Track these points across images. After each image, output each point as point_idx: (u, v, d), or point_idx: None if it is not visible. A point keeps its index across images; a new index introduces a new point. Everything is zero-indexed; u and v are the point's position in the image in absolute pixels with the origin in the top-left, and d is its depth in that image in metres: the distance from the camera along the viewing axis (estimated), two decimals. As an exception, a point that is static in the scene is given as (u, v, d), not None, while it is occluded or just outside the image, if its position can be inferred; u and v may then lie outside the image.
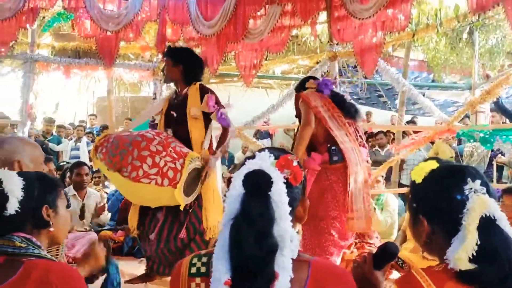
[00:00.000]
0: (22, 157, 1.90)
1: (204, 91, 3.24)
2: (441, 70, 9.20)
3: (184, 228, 3.05)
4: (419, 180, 1.25)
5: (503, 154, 6.36)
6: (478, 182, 1.16)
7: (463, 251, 1.10)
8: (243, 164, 1.16)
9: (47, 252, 1.49)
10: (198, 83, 3.31)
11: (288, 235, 1.08)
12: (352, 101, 3.51)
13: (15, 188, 1.43)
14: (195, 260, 1.19)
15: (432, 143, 6.93)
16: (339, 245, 3.12)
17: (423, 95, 6.09)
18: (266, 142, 10.78)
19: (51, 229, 1.48)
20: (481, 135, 5.16)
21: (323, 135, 3.19)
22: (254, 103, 8.78)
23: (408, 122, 7.89)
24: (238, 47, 5.80)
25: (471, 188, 1.16)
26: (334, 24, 5.39)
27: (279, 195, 1.09)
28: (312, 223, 3.03)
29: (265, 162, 1.13)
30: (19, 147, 1.93)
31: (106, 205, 5.32)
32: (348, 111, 3.33)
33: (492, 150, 6.33)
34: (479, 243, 1.10)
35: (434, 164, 1.25)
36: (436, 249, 1.23)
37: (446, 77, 9.94)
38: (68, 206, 1.67)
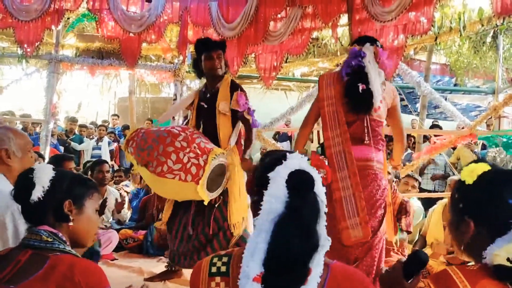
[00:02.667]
0: (9, 145, 1.92)
1: (234, 87, 3.25)
2: (464, 74, 9.06)
3: (211, 224, 3.08)
4: (470, 181, 1.23)
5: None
6: None
7: (505, 250, 1.10)
8: (273, 164, 1.15)
9: None
10: (230, 78, 3.33)
11: (325, 234, 1.10)
12: (370, 88, 2.73)
13: (44, 177, 1.48)
14: (215, 260, 1.21)
15: (454, 148, 6.83)
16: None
17: (445, 99, 6.00)
18: (285, 145, 10.76)
19: (70, 223, 1.51)
20: (504, 140, 5.07)
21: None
22: (273, 105, 8.78)
23: (432, 126, 7.79)
24: (258, 49, 5.83)
25: None
26: (355, 27, 5.37)
27: (321, 194, 1.11)
28: None
29: (303, 162, 1.14)
30: (5, 135, 1.94)
31: (127, 202, 5.39)
32: (355, 105, 2.74)
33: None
34: None
35: (486, 167, 1.23)
36: (477, 250, 1.21)
37: (468, 81, 9.79)
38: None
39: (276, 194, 1.09)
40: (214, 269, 1.19)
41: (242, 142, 3.33)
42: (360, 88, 2.67)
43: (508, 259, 1.09)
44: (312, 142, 11.71)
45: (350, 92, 2.71)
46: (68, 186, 1.53)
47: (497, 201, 1.18)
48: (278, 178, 1.10)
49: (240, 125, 3.29)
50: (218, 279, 1.17)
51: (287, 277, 1.04)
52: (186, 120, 3.58)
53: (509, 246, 1.10)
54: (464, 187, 1.25)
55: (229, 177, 3.08)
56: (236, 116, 3.22)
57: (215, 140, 3.13)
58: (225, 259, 1.20)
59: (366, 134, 2.73)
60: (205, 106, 3.28)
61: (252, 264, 1.05)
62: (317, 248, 1.06)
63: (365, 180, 2.68)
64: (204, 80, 3.48)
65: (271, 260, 1.04)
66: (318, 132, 11.91)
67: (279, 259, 1.04)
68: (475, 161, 1.28)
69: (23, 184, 1.49)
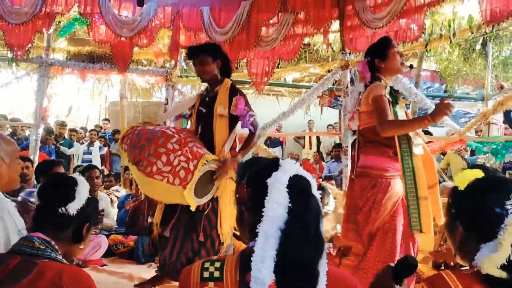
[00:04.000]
0: None
1: (234, 92, 3.22)
2: (454, 81, 9.16)
3: (201, 231, 3.06)
4: (461, 187, 1.25)
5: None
6: None
7: (492, 259, 1.11)
8: (267, 170, 1.15)
9: None
10: (230, 83, 3.29)
11: (324, 235, 1.13)
12: None
13: (84, 195, 1.52)
14: (207, 265, 1.20)
15: (444, 154, 6.89)
16: None
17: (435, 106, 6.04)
18: (277, 150, 10.77)
19: (81, 246, 1.54)
20: (493, 146, 5.12)
21: None
22: (265, 110, 8.79)
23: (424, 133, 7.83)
24: (250, 55, 5.84)
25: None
26: (347, 33, 5.40)
27: (318, 197, 1.14)
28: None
29: (298, 166, 1.16)
30: None
31: (114, 210, 5.35)
32: None
33: (505, 162, 6.27)
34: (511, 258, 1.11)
35: (479, 173, 1.25)
36: (468, 254, 1.24)
37: (458, 88, 9.89)
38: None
39: (279, 200, 1.09)
40: (206, 274, 1.18)
41: (237, 149, 3.30)
42: None
43: (499, 267, 1.10)
44: (304, 147, 11.76)
45: None
46: (91, 211, 1.58)
47: (484, 208, 1.19)
48: (278, 183, 1.11)
49: (236, 131, 3.27)
50: (211, 284, 1.16)
51: (300, 282, 1.06)
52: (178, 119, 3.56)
53: (497, 255, 1.11)
54: (456, 193, 1.28)
55: (219, 185, 3.03)
56: (233, 121, 3.19)
57: (211, 144, 3.10)
58: (217, 264, 1.19)
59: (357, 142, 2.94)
60: (203, 110, 3.26)
61: (265, 271, 1.05)
62: (323, 249, 1.09)
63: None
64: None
65: (283, 266, 1.05)
66: (309, 137, 11.94)
67: (291, 265, 1.05)
68: (471, 167, 1.30)
69: (65, 191, 1.49)
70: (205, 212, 3.04)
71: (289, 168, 1.14)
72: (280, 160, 1.19)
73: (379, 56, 2.83)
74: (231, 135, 3.18)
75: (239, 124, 3.20)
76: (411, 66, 2.94)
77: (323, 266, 1.09)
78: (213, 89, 3.28)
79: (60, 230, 1.48)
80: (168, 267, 3.13)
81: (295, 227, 1.07)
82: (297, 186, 1.10)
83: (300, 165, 1.19)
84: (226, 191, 3.09)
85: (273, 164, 1.17)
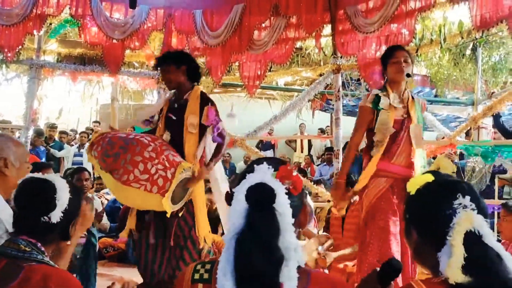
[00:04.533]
0: (8, 154, 1.87)
1: (204, 101, 3.20)
2: (444, 86, 9.23)
3: (172, 235, 3.06)
4: (413, 191, 1.28)
5: (505, 171, 6.35)
6: (468, 198, 1.18)
7: (451, 265, 1.12)
8: (242, 178, 1.16)
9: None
10: (199, 91, 3.28)
11: (293, 246, 1.09)
12: None
13: (65, 200, 1.47)
14: (199, 267, 1.22)
15: (434, 157, 6.93)
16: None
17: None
18: (269, 153, 10.78)
19: (68, 243, 1.51)
20: (483, 150, 5.17)
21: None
22: (257, 113, 8.81)
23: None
24: (242, 58, 5.84)
25: (460, 204, 1.17)
26: (338, 37, 5.43)
27: (282, 207, 1.10)
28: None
29: (266, 174, 1.14)
30: (5, 144, 1.90)
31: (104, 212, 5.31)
32: None
33: (494, 166, 6.33)
34: (466, 255, 1.11)
35: (429, 178, 1.28)
36: (424, 259, 1.26)
37: (448, 93, 9.96)
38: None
39: (237, 209, 1.10)
40: (197, 276, 1.20)
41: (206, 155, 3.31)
42: None
43: (463, 271, 1.10)
44: (295, 151, 11.78)
45: None
46: (75, 208, 1.53)
47: (434, 211, 1.21)
48: (240, 193, 1.11)
49: (206, 140, 3.26)
50: (200, 286, 1.18)
51: None
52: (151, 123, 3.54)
53: (453, 259, 1.12)
54: (409, 198, 1.30)
55: (192, 190, 3.07)
56: (203, 130, 3.19)
57: (181, 152, 3.09)
58: (208, 266, 1.21)
59: None
60: (174, 118, 3.25)
61: (226, 282, 1.05)
62: (280, 263, 1.05)
63: None
64: None
65: (239, 276, 1.05)
66: (301, 141, 11.96)
67: (245, 275, 1.04)
68: (425, 173, 1.33)
69: (44, 201, 1.45)
70: (180, 214, 3.06)
71: (254, 177, 1.13)
72: (255, 166, 1.17)
73: (383, 66, 3.10)
74: (201, 144, 3.19)
75: (209, 135, 3.21)
76: (407, 75, 3.04)
77: (289, 279, 1.06)
78: (182, 96, 3.28)
79: (45, 235, 1.45)
80: (155, 278, 3.13)
81: (247, 238, 1.06)
82: (253, 196, 1.09)
83: (278, 170, 1.17)
84: (200, 196, 3.13)
85: (245, 172, 1.18)
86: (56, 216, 1.43)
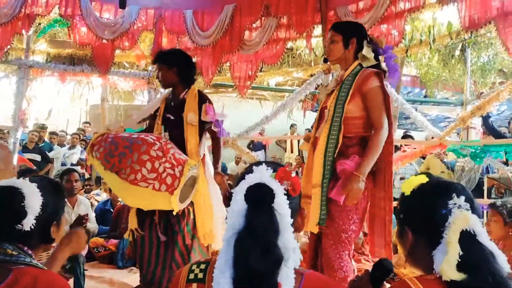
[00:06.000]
0: None
1: (202, 99, 3.23)
2: (434, 86, 9.31)
3: (179, 234, 3.05)
4: (407, 192, 1.30)
5: (494, 170, 6.42)
6: (462, 198, 1.21)
7: (446, 263, 1.14)
8: (242, 178, 1.16)
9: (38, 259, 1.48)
10: (196, 89, 3.30)
11: (291, 246, 1.09)
12: None
13: (35, 205, 1.42)
14: (194, 267, 1.23)
15: (424, 157, 6.98)
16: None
17: (416, 110, 6.14)
18: (260, 154, 10.79)
19: (54, 244, 1.49)
20: (472, 150, 5.21)
21: (359, 136, 2.61)
22: (248, 114, 8.80)
23: (404, 137, 7.95)
24: (233, 58, 5.84)
25: (455, 204, 1.20)
26: (329, 38, 5.44)
27: (281, 207, 1.11)
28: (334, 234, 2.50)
29: (265, 175, 1.14)
30: None
31: (93, 214, 5.25)
32: None
33: (484, 166, 6.39)
34: (461, 253, 1.13)
35: (424, 179, 1.30)
36: (418, 259, 1.28)
37: (438, 93, 10.05)
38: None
39: (236, 209, 1.10)
40: (192, 276, 1.20)
41: (206, 153, 3.34)
42: None
43: (458, 269, 1.12)
44: (286, 151, 11.79)
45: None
46: (53, 208, 1.49)
47: (429, 210, 1.23)
48: (239, 193, 1.12)
49: (207, 137, 3.28)
50: (194, 285, 1.19)
51: None
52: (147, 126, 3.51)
53: (449, 257, 1.14)
54: (403, 198, 1.33)
55: (197, 189, 3.06)
56: (202, 128, 3.22)
57: (182, 150, 3.09)
58: (203, 266, 1.21)
59: None
60: (172, 117, 3.25)
61: (223, 280, 1.05)
62: (280, 263, 1.06)
63: None
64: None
65: (238, 276, 1.05)
66: (291, 141, 11.97)
67: (243, 275, 1.04)
68: (416, 174, 1.35)
69: (12, 210, 1.40)
70: (183, 214, 3.06)
71: (253, 177, 1.14)
72: (254, 167, 1.18)
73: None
74: (202, 140, 3.23)
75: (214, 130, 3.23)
76: (324, 60, 2.94)
77: (287, 279, 1.07)
78: (178, 95, 3.29)
79: (27, 241, 1.43)
80: (156, 277, 3.11)
81: (245, 237, 1.06)
82: (252, 195, 1.10)
83: (275, 170, 1.18)
84: (200, 195, 3.12)
85: (245, 173, 1.18)
86: (28, 223, 1.39)
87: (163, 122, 3.29)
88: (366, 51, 2.66)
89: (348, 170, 2.46)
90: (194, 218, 3.12)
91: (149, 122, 3.47)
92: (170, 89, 3.39)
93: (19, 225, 1.39)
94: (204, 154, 3.29)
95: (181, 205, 2.93)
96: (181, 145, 3.13)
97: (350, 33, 2.70)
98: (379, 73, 2.61)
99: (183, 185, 2.84)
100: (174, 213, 2.90)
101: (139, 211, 3.19)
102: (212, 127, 3.20)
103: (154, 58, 3.40)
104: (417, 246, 1.26)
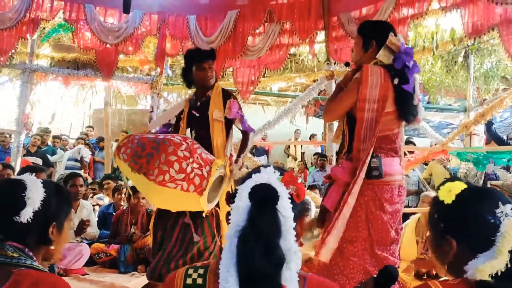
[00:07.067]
0: None
1: (227, 95, 3.23)
2: (437, 92, 9.28)
3: (200, 235, 3.03)
4: (448, 201, 1.24)
5: (497, 177, 6.39)
6: (508, 206, 1.18)
7: (489, 266, 1.11)
8: (248, 177, 1.16)
9: None
10: (220, 86, 3.30)
11: (293, 249, 1.09)
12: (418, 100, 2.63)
13: (36, 198, 1.41)
14: (190, 271, 1.20)
15: (426, 164, 6.96)
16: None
17: (418, 116, 6.13)
18: (262, 159, 10.78)
19: (52, 247, 1.47)
20: (475, 156, 5.20)
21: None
22: (251, 119, 8.78)
23: (406, 143, 7.94)
24: (236, 64, 5.86)
25: (502, 212, 1.17)
26: (332, 44, 5.46)
27: (285, 210, 1.10)
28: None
29: (271, 176, 1.14)
30: None
31: (95, 219, 5.25)
32: (405, 114, 2.54)
33: (487, 173, 6.37)
34: (509, 265, 1.11)
35: (462, 185, 1.25)
36: (460, 269, 1.21)
37: (441, 99, 10.03)
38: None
39: (240, 207, 1.10)
40: (189, 281, 1.18)
41: (232, 152, 3.31)
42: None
43: (490, 276, 1.11)
44: (295, 160, 11.76)
45: (407, 99, 2.48)
46: (55, 208, 1.47)
47: (477, 219, 1.19)
48: (244, 191, 1.11)
49: (232, 134, 3.26)
50: None
51: None
52: (171, 128, 3.50)
53: (493, 262, 1.11)
54: (443, 207, 1.25)
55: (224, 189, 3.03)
56: (229, 124, 3.20)
57: (209, 149, 3.06)
58: (201, 271, 1.19)
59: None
60: (197, 114, 3.24)
61: (231, 280, 1.04)
62: (281, 264, 1.06)
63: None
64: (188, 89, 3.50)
65: (242, 275, 1.04)
66: (295, 147, 11.95)
67: (247, 274, 1.04)
68: (449, 180, 1.29)
69: (12, 200, 1.40)
70: (206, 216, 3.02)
71: (259, 177, 1.14)
72: (262, 168, 1.18)
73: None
74: (229, 138, 3.20)
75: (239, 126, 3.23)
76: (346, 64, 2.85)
77: (291, 281, 1.07)
78: (205, 93, 3.28)
79: (24, 237, 1.42)
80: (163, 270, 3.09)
81: (248, 235, 1.05)
82: (256, 194, 1.09)
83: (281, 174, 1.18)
84: (224, 195, 3.08)
85: (252, 172, 1.18)
86: (26, 214, 1.38)
87: (189, 122, 3.27)
88: (382, 53, 2.46)
89: (339, 178, 2.42)
90: (217, 219, 3.09)
91: (174, 124, 3.44)
92: (191, 91, 3.39)
93: (16, 217, 1.38)
94: (231, 154, 3.25)
95: (210, 206, 2.90)
96: (208, 144, 3.10)
97: (369, 35, 2.54)
98: (373, 66, 2.43)
99: (212, 185, 2.82)
100: (204, 214, 2.89)
101: (160, 213, 3.16)
102: (236, 123, 3.19)
103: (206, 54, 3.28)
104: (462, 256, 1.20)
